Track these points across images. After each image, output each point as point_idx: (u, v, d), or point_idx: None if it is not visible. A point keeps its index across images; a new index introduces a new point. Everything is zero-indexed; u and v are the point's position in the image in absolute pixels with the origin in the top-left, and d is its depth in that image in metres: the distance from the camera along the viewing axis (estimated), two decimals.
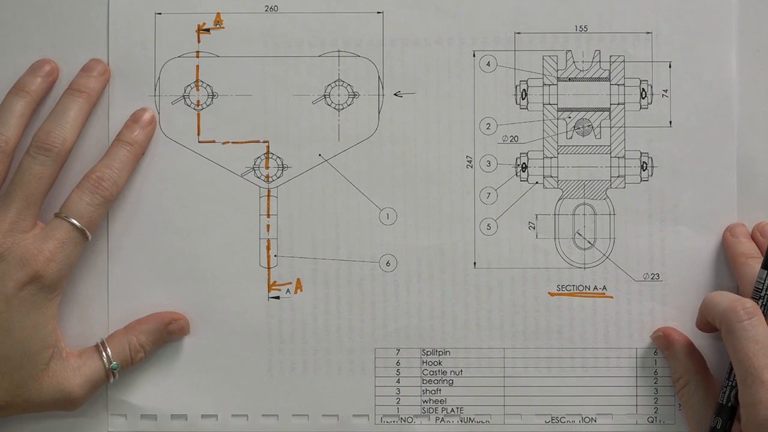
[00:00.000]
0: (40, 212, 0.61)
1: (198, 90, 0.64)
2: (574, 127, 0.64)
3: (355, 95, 0.64)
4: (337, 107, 0.64)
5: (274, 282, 0.63)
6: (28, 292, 0.59)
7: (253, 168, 0.63)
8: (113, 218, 0.63)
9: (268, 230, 0.63)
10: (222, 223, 0.63)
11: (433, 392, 0.64)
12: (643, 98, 0.63)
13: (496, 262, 0.63)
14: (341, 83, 0.64)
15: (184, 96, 0.64)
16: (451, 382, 0.64)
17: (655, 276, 0.63)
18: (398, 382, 0.64)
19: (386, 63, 0.64)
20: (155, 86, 0.63)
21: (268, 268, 0.63)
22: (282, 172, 0.64)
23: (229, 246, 0.63)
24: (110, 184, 0.61)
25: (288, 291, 0.63)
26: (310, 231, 0.63)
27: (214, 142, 0.64)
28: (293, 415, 0.64)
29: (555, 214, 0.64)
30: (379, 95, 0.64)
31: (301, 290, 0.63)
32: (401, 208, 0.64)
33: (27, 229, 0.59)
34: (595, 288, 0.63)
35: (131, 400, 0.63)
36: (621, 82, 0.63)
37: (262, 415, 0.63)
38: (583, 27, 0.63)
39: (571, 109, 0.64)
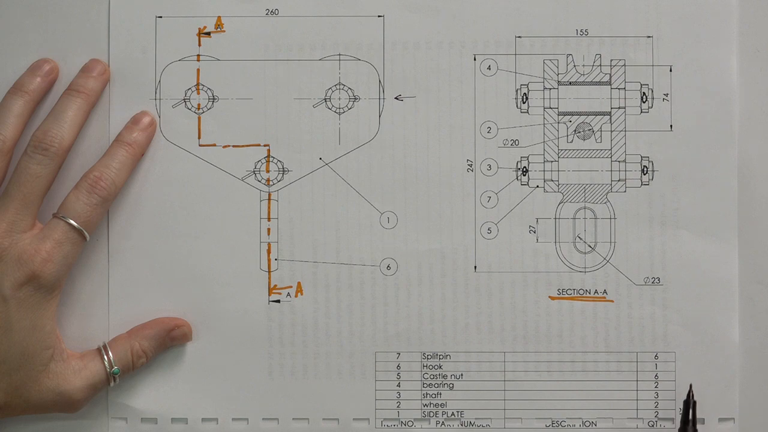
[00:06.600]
0: (40, 213, 0.61)
1: (199, 93, 0.64)
2: (575, 131, 0.64)
3: (355, 99, 0.64)
4: (337, 111, 0.64)
5: (275, 285, 0.63)
6: (26, 292, 0.58)
7: (254, 171, 0.63)
8: (113, 221, 0.63)
9: (268, 234, 0.63)
10: (222, 227, 0.63)
11: (433, 396, 0.64)
12: (644, 102, 0.63)
13: (497, 266, 0.63)
14: (342, 87, 0.64)
15: (184, 99, 0.64)
16: (451, 385, 0.64)
17: (656, 280, 0.63)
18: (399, 385, 0.64)
19: (387, 66, 0.64)
20: (156, 89, 0.63)
21: (269, 271, 0.63)
22: (282, 176, 0.63)
23: (230, 249, 0.63)
24: (108, 184, 0.61)
25: (288, 294, 0.63)
26: (311, 234, 0.63)
27: (214, 145, 0.63)
28: (293, 418, 0.63)
29: (555, 218, 0.64)
30: (379, 99, 0.64)
31: (302, 294, 0.63)
32: (402, 212, 0.64)
33: (25, 229, 0.59)
34: (596, 292, 0.63)
35: (132, 404, 0.63)
36: (622, 86, 0.63)
37: (263, 418, 0.63)
38: (583, 31, 0.63)
39: (571, 113, 0.64)
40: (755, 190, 0.64)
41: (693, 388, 0.62)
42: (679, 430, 0.62)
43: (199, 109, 0.64)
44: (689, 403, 0.62)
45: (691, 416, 0.61)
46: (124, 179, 0.62)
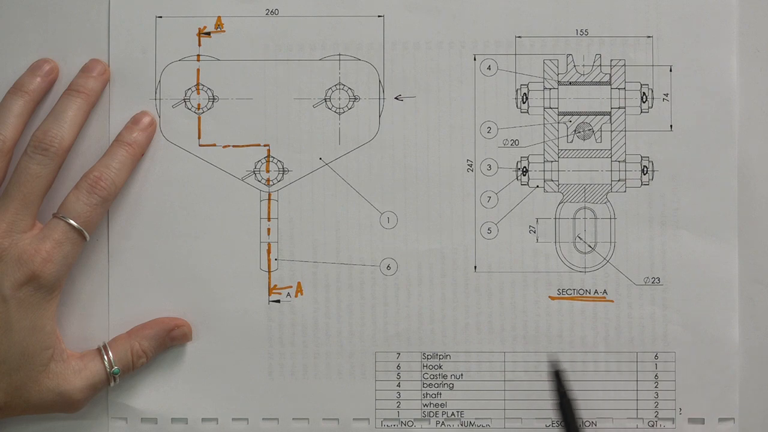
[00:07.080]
0: (40, 213, 0.61)
1: (199, 93, 0.64)
2: (575, 131, 0.64)
3: (355, 99, 0.64)
4: (337, 111, 0.64)
5: (275, 285, 0.63)
6: (26, 292, 0.58)
7: (254, 171, 0.63)
8: (113, 221, 0.63)
9: (268, 234, 0.63)
10: (222, 227, 0.63)
11: (433, 396, 0.64)
12: (644, 102, 0.63)
13: (497, 266, 0.63)
14: (342, 87, 0.64)
15: (184, 99, 0.64)
16: (451, 385, 0.64)
17: (656, 280, 0.63)
18: (399, 385, 0.64)
19: (387, 66, 0.64)
20: (156, 90, 0.63)
21: (269, 271, 0.63)
22: (282, 176, 0.63)
23: (230, 249, 0.63)
24: (108, 184, 0.61)
25: (288, 294, 0.63)
26: (311, 234, 0.63)
27: (214, 145, 0.64)
28: (293, 418, 0.63)
29: (555, 218, 0.64)
30: (379, 99, 0.64)
31: (302, 294, 0.63)
32: (402, 212, 0.64)
33: (25, 229, 0.59)
34: (596, 292, 0.63)
35: (132, 404, 0.63)
36: (622, 86, 0.63)
37: (263, 418, 0.63)
38: (583, 31, 0.64)
39: (571, 113, 0.64)
40: (755, 190, 0.64)
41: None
42: (559, 404, 0.61)
43: (199, 109, 0.64)
44: (558, 374, 0.61)
45: (563, 388, 0.61)
46: (124, 179, 0.62)
